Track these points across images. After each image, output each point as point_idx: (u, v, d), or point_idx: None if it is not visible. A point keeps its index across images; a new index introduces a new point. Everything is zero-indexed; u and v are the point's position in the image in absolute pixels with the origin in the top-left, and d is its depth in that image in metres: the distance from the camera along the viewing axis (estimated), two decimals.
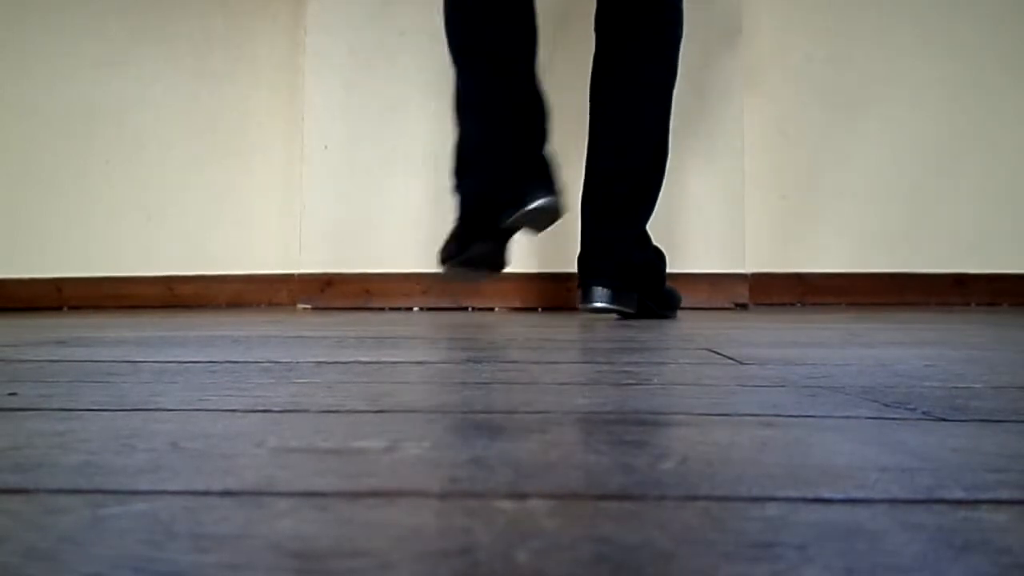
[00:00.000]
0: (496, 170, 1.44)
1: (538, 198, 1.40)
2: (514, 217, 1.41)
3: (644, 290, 1.54)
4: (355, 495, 0.28)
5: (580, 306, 1.53)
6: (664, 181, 1.58)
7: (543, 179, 1.43)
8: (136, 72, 2.30)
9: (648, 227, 1.58)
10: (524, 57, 1.45)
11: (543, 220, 1.44)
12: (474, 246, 1.46)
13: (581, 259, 1.54)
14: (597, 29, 1.55)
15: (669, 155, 1.57)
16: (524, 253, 2.10)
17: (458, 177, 1.48)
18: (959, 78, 2.25)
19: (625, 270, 1.50)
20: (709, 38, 2.12)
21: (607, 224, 1.52)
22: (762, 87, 2.24)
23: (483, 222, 1.45)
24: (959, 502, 0.27)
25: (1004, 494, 0.28)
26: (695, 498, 0.27)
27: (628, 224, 1.53)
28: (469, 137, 1.46)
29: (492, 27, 1.44)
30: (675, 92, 1.55)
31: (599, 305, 1.49)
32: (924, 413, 0.44)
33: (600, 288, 1.48)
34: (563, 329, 1.24)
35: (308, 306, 2.13)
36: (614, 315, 1.56)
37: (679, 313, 1.69)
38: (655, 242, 1.60)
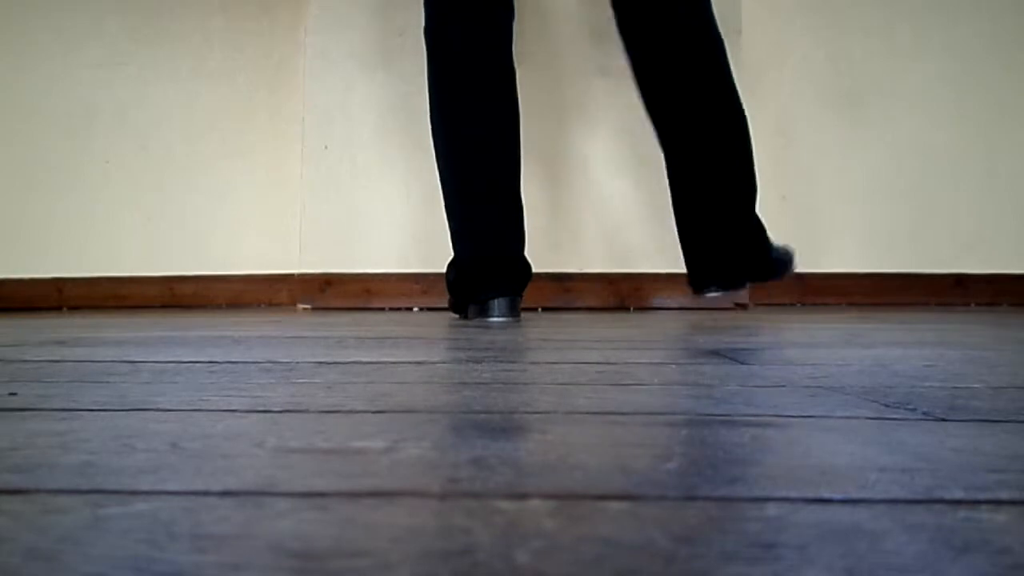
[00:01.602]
0: (474, 267, 1.52)
1: (499, 315, 1.48)
2: (476, 319, 1.50)
3: (752, 272, 1.57)
4: (355, 495, 0.28)
5: (699, 296, 1.61)
6: (754, 165, 1.58)
7: (510, 290, 1.50)
8: (136, 72, 2.30)
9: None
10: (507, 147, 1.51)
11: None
12: (469, 309, 1.54)
13: (689, 263, 1.57)
14: (623, 33, 1.54)
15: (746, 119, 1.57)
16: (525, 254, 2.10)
17: (452, 232, 1.55)
18: (959, 78, 2.25)
19: (732, 264, 1.54)
20: None
21: (706, 220, 1.54)
22: (762, 87, 2.24)
23: (465, 298, 1.55)
24: (959, 502, 0.27)
25: (1004, 494, 0.28)
26: (695, 498, 0.27)
27: (733, 217, 1.53)
28: (453, 215, 1.55)
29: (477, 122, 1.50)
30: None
31: (713, 295, 1.58)
32: (924, 413, 0.44)
33: (714, 288, 1.55)
34: (563, 329, 1.24)
35: (308, 306, 2.13)
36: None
37: (679, 313, 1.70)
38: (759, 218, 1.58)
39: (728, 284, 1.56)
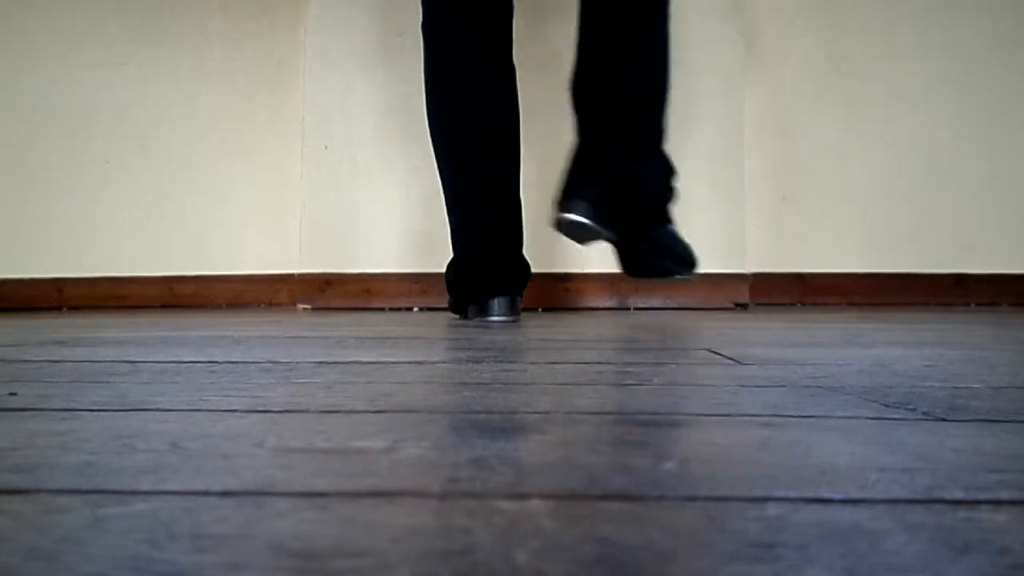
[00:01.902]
0: (473, 267, 1.49)
1: (499, 315, 1.44)
2: (477, 319, 1.47)
3: (638, 218, 1.36)
4: (355, 495, 0.28)
5: (555, 218, 1.37)
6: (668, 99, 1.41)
7: (510, 290, 1.46)
8: (136, 72, 2.30)
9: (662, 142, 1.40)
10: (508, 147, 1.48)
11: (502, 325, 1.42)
12: (469, 309, 1.52)
13: (569, 165, 1.37)
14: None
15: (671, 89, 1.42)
16: (525, 254, 2.10)
17: (452, 231, 1.53)
18: (960, 78, 2.25)
19: (615, 186, 1.32)
20: (709, 38, 2.12)
21: (600, 124, 1.35)
22: (762, 87, 2.24)
23: (465, 298, 1.52)
24: (959, 502, 0.27)
25: (1004, 494, 0.28)
26: (695, 498, 0.27)
27: (627, 126, 1.35)
28: (452, 213, 1.52)
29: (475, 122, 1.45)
30: (673, 83, 1.49)
31: (574, 218, 1.32)
32: (924, 413, 0.44)
33: (580, 201, 1.31)
34: (563, 329, 1.24)
35: (308, 306, 2.13)
36: (595, 238, 1.40)
37: (679, 313, 1.69)
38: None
39: (595, 218, 1.31)
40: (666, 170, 1.40)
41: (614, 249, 1.45)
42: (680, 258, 1.43)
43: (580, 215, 1.31)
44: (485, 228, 1.50)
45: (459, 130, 1.47)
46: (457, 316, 1.60)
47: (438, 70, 1.48)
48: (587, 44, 1.38)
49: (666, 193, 1.41)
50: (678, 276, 1.44)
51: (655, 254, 1.40)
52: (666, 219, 1.42)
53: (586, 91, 1.37)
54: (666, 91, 1.38)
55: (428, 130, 1.52)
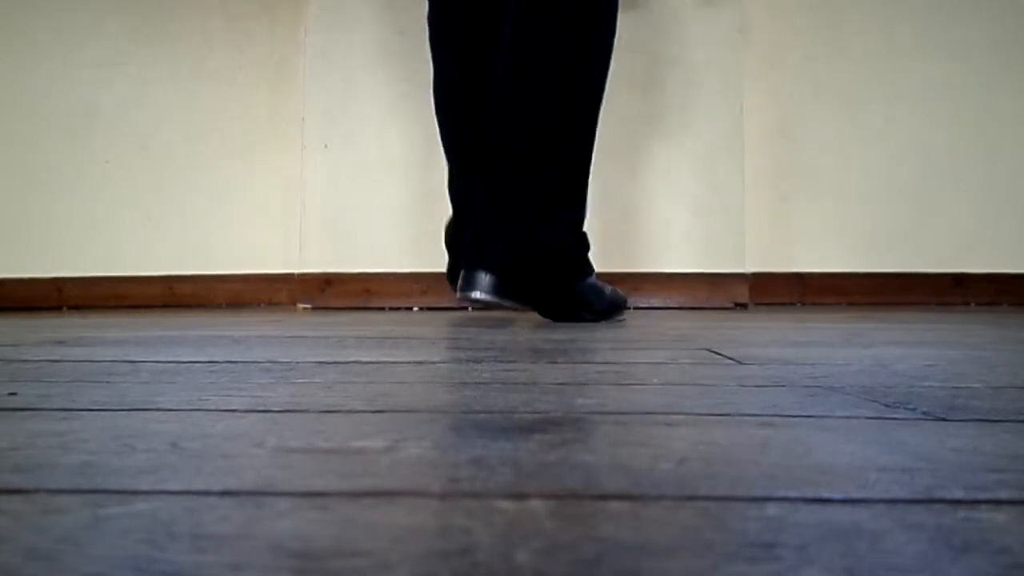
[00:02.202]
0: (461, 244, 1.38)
1: (479, 290, 1.26)
2: (460, 295, 1.31)
3: (550, 283, 1.28)
4: (355, 495, 0.28)
5: (456, 294, 1.29)
6: (591, 141, 1.34)
7: (500, 265, 1.29)
8: (136, 72, 2.30)
9: (579, 209, 1.33)
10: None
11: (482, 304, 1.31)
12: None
13: (468, 231, 1.28)
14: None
15: (596, 129, 1.34)
16: None
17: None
18: (959, 78, 2.25)
19: (522, 254, 1.24)
20: (709, 38, 2.12)
21: (501, 193, 1.26)
22: (762, 87, 2.24)
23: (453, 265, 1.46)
24: (959, 502, 0.27)
25: (1004, 494, 0.28)
26: (695, 498, 0.27)
27: (531, 193, 1.25)
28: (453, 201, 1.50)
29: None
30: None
31: (478, 296, 1.23)
32: (924, 413, 0.44)
33: (483, 274, 1.22)
34: (563, 329, 1.24)
35: (308, 306, 2.13)
36: (504, 308, 1.32)
37: (679, 313, 1.68)
38: (585, 227, 1.35)
39: (501, 269, 1.22)
40: (575, 223, 1.31)
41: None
42: (604, 311, 1.35)
43: (483, 292, 1.23)
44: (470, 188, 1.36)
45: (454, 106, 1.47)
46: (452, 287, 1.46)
47: (440, 44, 1.48)
48: (493, 91, 1.30)
49: (578, 249, 1.32)
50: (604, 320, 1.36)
51: (573, 310, 1.32)
52: (583, 273, 1.32)
53: (488, 137, 1.29)
54: (580, 143, 1.29)
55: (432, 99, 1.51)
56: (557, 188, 1.27)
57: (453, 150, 1.49)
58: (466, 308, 1.99)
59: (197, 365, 0.68)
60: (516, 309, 1.29)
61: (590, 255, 1.39)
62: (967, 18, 2.25)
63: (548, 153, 1.27)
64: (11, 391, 0.53)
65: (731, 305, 2.09)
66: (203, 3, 2.31)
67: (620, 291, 1.41)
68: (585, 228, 1.37)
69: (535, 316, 1.45)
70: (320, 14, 2.17)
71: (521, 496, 0.28)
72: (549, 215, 1.27)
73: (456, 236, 1.46)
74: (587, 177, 1.34)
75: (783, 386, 0.55)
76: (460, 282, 1.27)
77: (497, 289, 1.22)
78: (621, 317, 1.41)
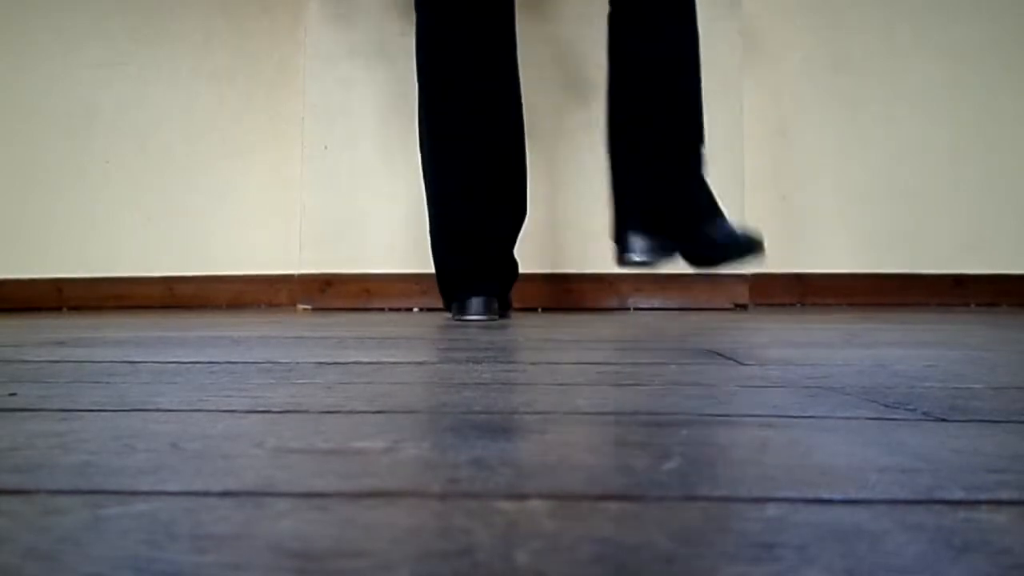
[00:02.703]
0: (455, 262, 1.54)
1: (476, 314, 1.48)
2: (457, 318, 1.51)
3: (690, 227, 1.40)
4: (355, 495, 0.28)
5: (617, 258, 1.44)
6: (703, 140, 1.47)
7: (486, 290, 1.50)
8: (136, 72, 2.30)
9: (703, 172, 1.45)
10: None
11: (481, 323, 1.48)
12: (452, 307, 1.55)
13: (617, 205, 1.44)
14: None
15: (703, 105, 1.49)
16: (524, 254, 2.10)
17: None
18: (959, 78, 2.25)
19: (670, 212, 1.38)
20: (709, 38, 2.12)
21: (643, 164, 1.41)
22: (762, 87, 2.24)
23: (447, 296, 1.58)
24: (959, 502, 0.27)
25: (1004, 495, 0.28)
26: (695, 499, 0.27)
27: (674, 160, 1.41)
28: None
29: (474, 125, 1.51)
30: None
31: (636, 258, 1.39)
32: (924, 414, 0.44)
33: (639, 238, 1.38)
34: (563, 329, 1.24)
35: (308, 307, 2.13)
36: (659, 266, 1.45)
37: (679, 313, 1.69)
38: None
39: (657, 240, 1.36)
40: (700, 177, 1.42)
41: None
42: (741, 248, 1.41)
43: (639, 254, 1.37)
44: (460, 227, 1.54)
45: (449, 131, 1.53)
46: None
47: (431, 82, 1.54)
48: (618, 90, 1.45)
49: (707, 197, 1.42)
50: (747, 259, 1.44)
51: (714, 251, 1.41)
52: (715, 214, 1.42)
53: (620, 135, 1.44)
54: (698, 130, 1.46)
55: (417, 127, 1.58)
56: (688, 159, 1.42)
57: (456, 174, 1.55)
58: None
59: (197, 366, 0.68)
60: (670, 262, 1.41)
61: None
62: (967, 18, 2.25)
63: (688, 134, 1.43)
64: (11, 391, 0.53)
65: (731, 306, 2.09)
66: (203, 3, 2.31)
67: (751, 232, 1.45)
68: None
69: (534, 317, 1.46)
70: (320, 14, 2.17)
71: (521, 496, 0.28)
72: (681, 177, 1.41)
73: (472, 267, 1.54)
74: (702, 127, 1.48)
75: (783, 387, 0.55)
76: (617, 250, 1.41)
77: (648, 249, 1.36)
78: (761, 254, 1.44)
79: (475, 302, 1.49)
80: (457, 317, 1.51)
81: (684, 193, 1.40)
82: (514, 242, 1.57)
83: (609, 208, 1.49)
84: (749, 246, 1.41)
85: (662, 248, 1.38)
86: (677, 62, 1.45)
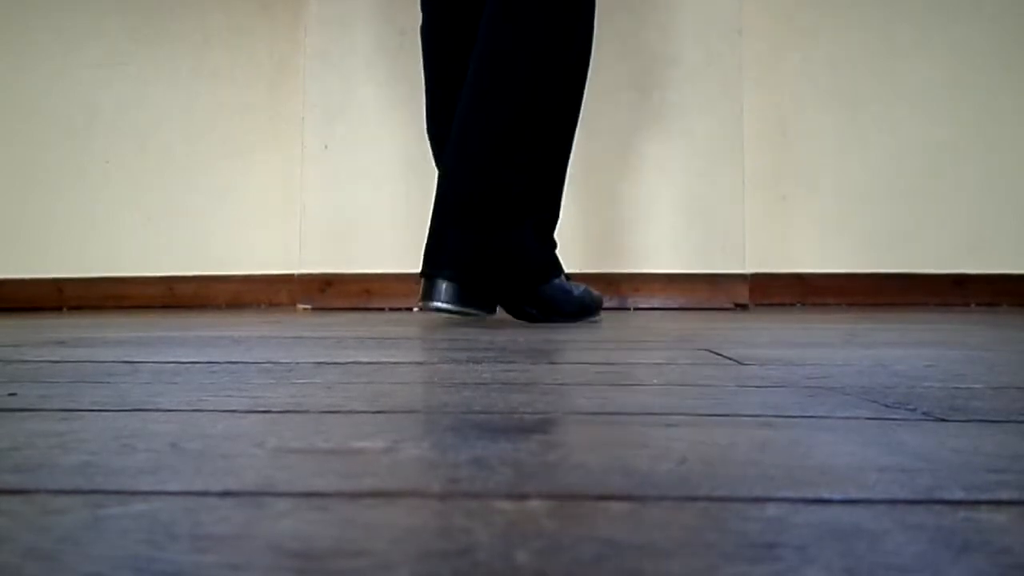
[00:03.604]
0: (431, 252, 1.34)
1: (440, 301, 1.28)
2: (421, 304, 1.33)
3: (512, 288, 1.27)
4: (355, 495, 0.28)
5: (418, 304, 1.31)
6: (564, 163, 1.35)
7: (461, 275, 1.28)
8: (136, 72, 2.30)
9: (555, 226, 1.33)
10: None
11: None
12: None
13: (429, 239, 1.29)
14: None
15: (574, 135, 1.33)
16: None
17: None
18: (959, 78, 2.25)
19: (479, 262, 1.23)
20: (709, 38, 2.12)
21: (458, 195, 1.25)
22: (762, 87, 2.24)
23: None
24: (959, 502, 0.27)
25: (1004, 494, 0.28)
26: (695, 499, 0.27)
27: (491, 195, 1.23)
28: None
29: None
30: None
31: (439, 306, 1.25)
32: (924, 413, 0.44)
33: (442, 283, 1.23)
34: (563, 329, 1.24)
35: (308, 306, 2.13)
36: (468, 315, 1.32)
37: (678, 313, 1.69)
38: (556, 234, 1.35)
39: (460, 279, 1.22)
40: (541, 226, 1.29)
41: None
42: (573, 312, 1.32)
43: (442, 301, 1.23)
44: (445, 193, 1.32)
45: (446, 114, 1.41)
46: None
47: (431, 64, 1.49)
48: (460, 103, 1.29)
49: (542, 252, 1.30)
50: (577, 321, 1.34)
51: (541, 313, 1.30)
52: (548, 275, 1.30)
53: (451, 138, 1.27)
54: (539, 134, 1.26)
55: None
56: (521, 191, 1.24)
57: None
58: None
59: (197, 366, 0.68)
60: (479, 316, 1.26)
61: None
62: (967, 18, 2.25)
63: (511, 155, 1.23)
64: (11, 391, 0.53)
65: (731, 306, 2.09)
66: (203, 3, 2.31)
67: (594, 291, 1.37)
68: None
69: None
70: (320, 14, 2.17)
71: (521, 496, 0.28)
72: (511, 218, 1.24)
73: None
74: (561, 180, 1.32)
75: (783, 386, 0.55)
76: (420, 291, 1.26)
77: (458, 297, 1.21)
78: (595, 318, 1.36)
79: (442, 287, 1.27)
80: (421, 301, 1.33)
81: (508, 254, 1.27)
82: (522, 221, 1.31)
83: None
84: (581, 314, 1.32)
85: (473, 305, 1.26)
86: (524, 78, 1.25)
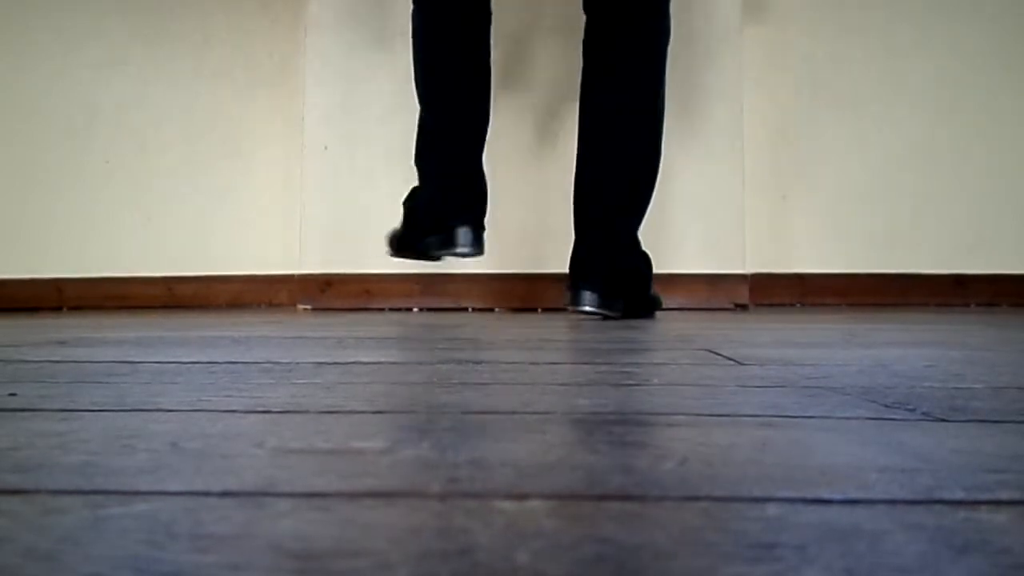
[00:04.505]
0: (442, 199, 1.60)
1: (465, 246, 1.55)
2: (441, 252, 1.60)
3: (630, 295, 1.60)
4: (355, 495, 0.28)
5: (568, 307, 1.59)
6: (656, 187, 1.61)
7: (475, 220, 1.57)
8: (136, 72, 2.30)
9: (640, 232, 1.62)
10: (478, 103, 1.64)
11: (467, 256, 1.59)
12: (429, 243, 1.62)
13: (573, 261, 1.60)
14: (585, 43, 1.59)
15: (662, 160, 1.60)
16: (524, 254, 2.10)
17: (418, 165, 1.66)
18: (959, 78, 2.25)
19: (614, 275, 1.56)
20: (709, 38, 2.12)
21: (599, 230, 1.59)
22: (762, 87, 2.24)
23: (426, 233, 1.63)
24: (959, 502, 0.27)
25: (1004, 495, 0.28)
26: (695, 499, 0.27)
27: (620, 230, 1.59)
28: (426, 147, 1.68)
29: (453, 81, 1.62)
30: (668, 95, 1.60)
31: (587, 308, 1.56)
32: (924, 414, 0.44)
33: (588, 292, 1.55)
34: (563, 330, 1.24)
35: (308, 307, 2.13)
36: (600, 317, 1.61)
37: (678, 313, 1.71)
38: (644, 247, 1.64)
39: (601, 289, 1.55)
40: (645, 257, 1.64)
41: None
42: (658, 310, 1.71)
43: (588, 305, 1.54)
44: (453, 156, 1.61)
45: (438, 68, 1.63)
46: (396, 254, 1.69)
47: (424, 28, 1.61)
48: (584, 158, 1.60)
49: (647, 269, 1.64)
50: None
51: (647, 312, 1.67)
52: (650, 285, 1.67)
53: (584, 200, 1.60)
54: (650, 194, 1.61)
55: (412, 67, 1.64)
56: (636, 224, 1.62)
57: (449, 111, 1.65)
58: (466, 309, 1.99)
59: (197, 366, 0.68)
60: (610, 316, 1.57)
61: None
62: (967, 18, 2.25)
63: (634, 201, 1.61)
64: (11, 391, 0.53)
65: (731, 306, 2.09)
66: (203, 3, 2.31)
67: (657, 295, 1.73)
68: None
69: (534, 316, 1.45)
70: (320, 13, 2.16)
71: (521, 496, 0.28)
72: (631, 247, 1.61)
73: (441, 213, 1.59)
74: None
75: (783, 387, 0.55)
76: (569, 296, 1.57)
77: (599, 303, 1.54)
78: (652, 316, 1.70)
79: (465, 232, 1.53)
80: (443, 250, 1.58)
81: (633, 273, 1.61)
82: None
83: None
84: (654, 311, 1.69)
85: (611, 305, 1.55)
86: (639, 121, 1.57)
